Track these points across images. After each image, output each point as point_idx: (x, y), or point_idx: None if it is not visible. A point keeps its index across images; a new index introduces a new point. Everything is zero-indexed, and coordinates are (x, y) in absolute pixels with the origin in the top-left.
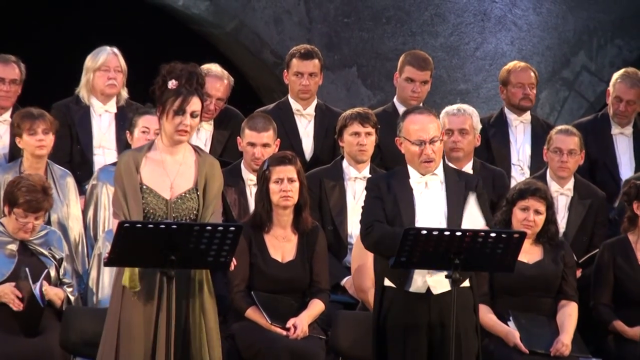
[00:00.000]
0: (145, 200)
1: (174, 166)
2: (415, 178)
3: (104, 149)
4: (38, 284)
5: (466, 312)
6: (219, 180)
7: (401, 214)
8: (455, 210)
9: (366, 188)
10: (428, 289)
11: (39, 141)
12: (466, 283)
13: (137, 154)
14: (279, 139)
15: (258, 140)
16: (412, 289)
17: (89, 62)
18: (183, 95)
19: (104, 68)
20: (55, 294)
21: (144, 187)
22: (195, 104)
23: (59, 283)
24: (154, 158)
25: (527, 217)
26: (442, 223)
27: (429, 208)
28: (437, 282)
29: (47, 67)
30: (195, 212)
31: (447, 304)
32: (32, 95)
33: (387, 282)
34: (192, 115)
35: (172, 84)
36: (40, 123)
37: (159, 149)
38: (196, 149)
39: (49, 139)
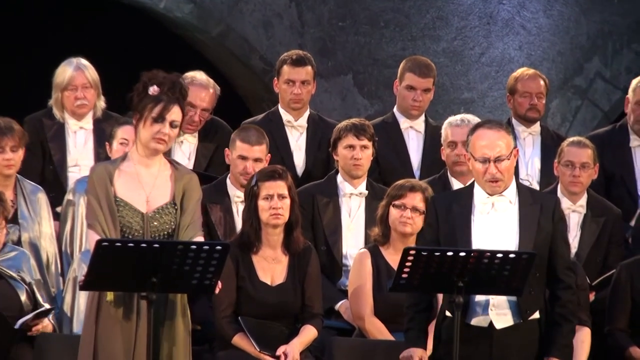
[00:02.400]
0: (121, 214)
1: (150, 179)
2: (481, 198)
3: (80, 167)
4: (24, 319)
5: (530, 349)
6: (198, 193)
7: (456, 239)
8: (527, 237)
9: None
10: (490, 323)
11: (7, 160)
12: (536, 315)
13: (110, 166)
14: (269, 154)
15: (250, 154)
16: (473, 322)
17: (56, 79)
18: (164, 102)
19: (70, 87)
20: (44, 327)
21: (118, 199)
22: (175, 113)
23: (31, 309)
24: (127, 170)
25: None
26: (511, 249)
27: (496, 231)
28: (500, 315)
29: (22, 73)
30: (172, 226)
31: (512, 340)
32: (4, 105)
33: (448, 313)
34: (172, 124)
35: (153, 89)
36: (8, 140)
37: (134, 160)
38: (172, 163)
39: (18, 156)
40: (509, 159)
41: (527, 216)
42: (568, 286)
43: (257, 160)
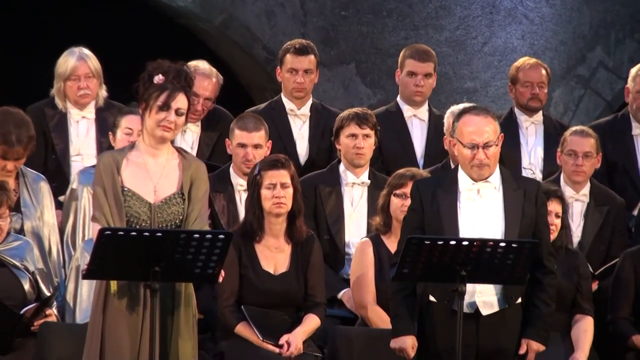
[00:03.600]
0: (128, 204)
1: (157, 169)
2: (466, 185)
3: (82, 157)
4: (28, 307)
5: (515, 332)
6: (205, 184)
7: (443, 226)
8: (512, 223)
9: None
10: (477, 309)
11: (9, 171)
12: (519, 299)
13: (118, 155)
14: (270, 141)
15: (249, 141)
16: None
17: (58, 69)
18: (169, 90)
19: (73, 77)
20: (48, 316)
21: (126, 189)
22: (181, 101)
23: (34, 298)
24: (135, 160)
25: (551, 221)
26: (497, 236)
27: (482, 218)
28: (486, 302)
29: (24, 63)
30: (180, 217)
31: (498, 325)
32: (7, 95)
33: (432, 297)
34: (177, 112)
35: (158, 78)
36: (14, 152)
37: (141, 150)
38: (180, 151)
39: (20, 163)
40: (496, 145)
41: (511, 202)
42: (550, 271)
43: (256, 146)
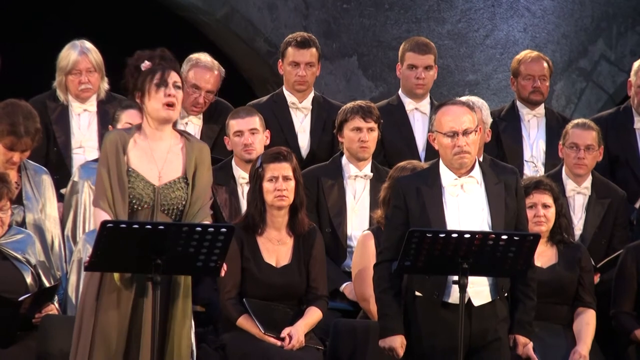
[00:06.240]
0: (132, 185)
1: (162, 154)
2: (449, 180)
3: (84, 149)
4: (26, 295)
5: (505, 323)
6: (209, 169)
7: (430, 221)
8: (498, 216)
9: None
10: (469, 300)
11: (14, 163)
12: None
13: (125, 134)
14: (269, 130)
15: (244, 126)
16: (451, 300)
17: (60, 62)
18: (161, 69)
19: (74, 72)
20: (49, 309)
21: (131, 170)
22: (174, 76)
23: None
24: (141, 143)
25: (535, 213)
26: (484, 229)
27: (467, 213)
28: (478, 293)
29: (25, 54)
30: (183, 202)
31: (489, 316)
32: (7, 86)
33: (418, 292)
34: (175, 85)
35: (145, 65)
36: (22, 144)
37: (146, 135)
38: (183, 134)
39: (25, 155)
40: (476, 132)
41: (494, 196)
42: (532, 264)
43: (252, 130)
